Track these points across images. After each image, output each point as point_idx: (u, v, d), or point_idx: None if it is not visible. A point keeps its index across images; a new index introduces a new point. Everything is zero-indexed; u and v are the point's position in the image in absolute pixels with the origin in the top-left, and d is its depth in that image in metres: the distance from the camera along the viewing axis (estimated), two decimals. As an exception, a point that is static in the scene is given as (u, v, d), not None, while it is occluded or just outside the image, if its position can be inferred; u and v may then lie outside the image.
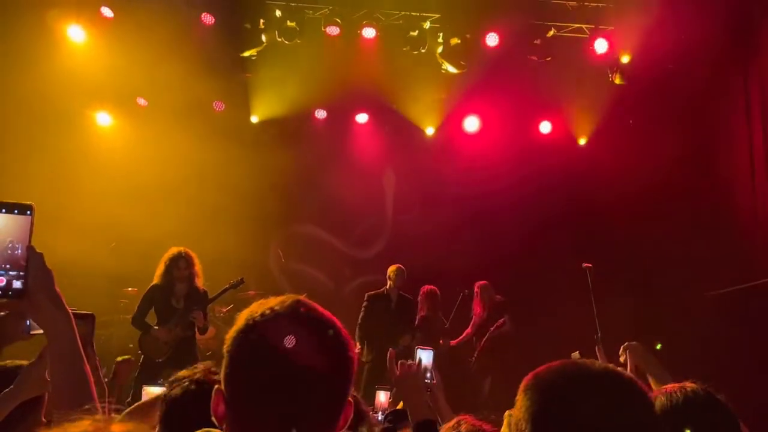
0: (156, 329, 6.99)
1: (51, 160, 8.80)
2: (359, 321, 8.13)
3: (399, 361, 2.92)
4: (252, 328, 1.43)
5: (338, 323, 1.50)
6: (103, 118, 9.83)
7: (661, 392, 2.16)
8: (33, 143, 8.75)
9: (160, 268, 7.03)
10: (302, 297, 1.52)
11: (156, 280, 7.03)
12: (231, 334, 1.46)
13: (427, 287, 8.46)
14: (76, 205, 8.81)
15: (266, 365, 1.39)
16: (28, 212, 1.64)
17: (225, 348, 1.45)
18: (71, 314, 1.65)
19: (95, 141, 9.68)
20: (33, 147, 8.75)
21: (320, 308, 1.51)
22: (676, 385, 2.18)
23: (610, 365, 1.54)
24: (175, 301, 7.06)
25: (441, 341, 8.39)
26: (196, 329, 7.11)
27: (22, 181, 8.26)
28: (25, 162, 8.61)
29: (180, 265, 6.96)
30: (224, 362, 1.45)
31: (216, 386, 1.46)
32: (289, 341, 1.39)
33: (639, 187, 9.15)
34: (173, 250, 7.05)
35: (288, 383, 1.38)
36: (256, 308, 1.48)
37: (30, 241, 1.63)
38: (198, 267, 7.08)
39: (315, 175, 9.96)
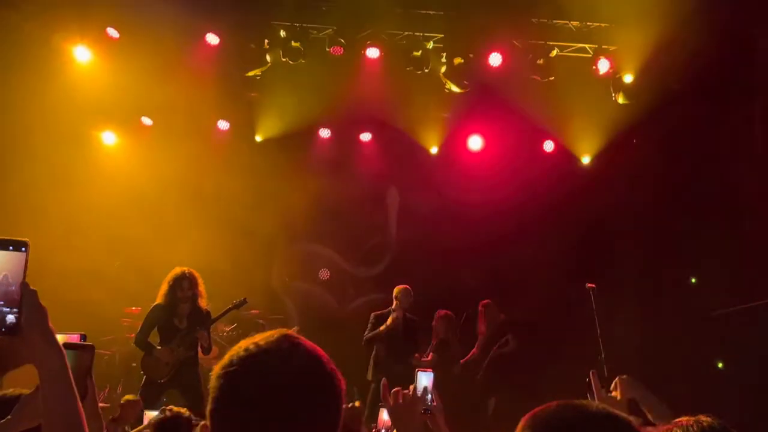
0: (158, 350, 6.99)
1: (56, 178, 8.84)
2: (364, 339, 8.09)
3: (393, 390, 2.91)
4: (235, 363, 1.42)
5: (325, 357, 1.49)
6: (108, 138, 9.88)
7: (677, 426, 2.15)
8: (39, 162, 8.79)
9: (164, 288, 7.04)
10: (290, 331, 1.52)
11: (159, 300, 7.03)
12: (215, 370, 1.45)
13: (442, 311, 8.43)
14: (80, 224, 8.85)
15: (249, 402, 1.38)
16: (23, 249, 1.65)
17: (210, 384, 1.45)
18: (64, 351, 1.66)
19: (100, 160, 9.73)
20: (39, 166, 8.79)
21: (308, 342, 1.50)
22: (691, 418, 2.16)
23: (608, 407, 1.54)
24: (178, 321, 7.06)
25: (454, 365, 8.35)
26: (199, 349, 7.11)
27: (28, 200, 8.32)
28: (30, 181, 8.66)
29: (183, 285, 6.97)
30: (209, 398, 1.44)
31: (202, 423, 1.46)
32: (268, 367, 1.39)
33: (642, 206, 9.15)
34: (177, 270, 7.06)
35: (272, 419, 1.38)
36: (242, 344, 1.47)
37: (24, 278, 1.63)
38: (202, 287, 7.09)
39: (319, 194, 9.97)
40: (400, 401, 2.86)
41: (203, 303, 7.11)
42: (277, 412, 1.37)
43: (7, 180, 8.40)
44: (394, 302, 8.13)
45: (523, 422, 1.53)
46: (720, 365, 8.32)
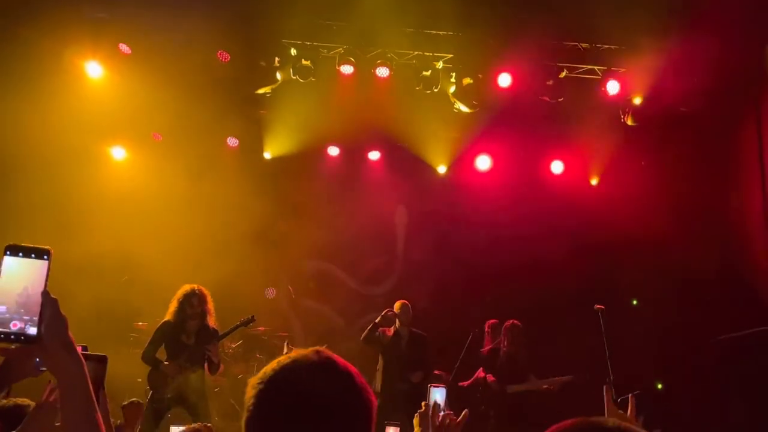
0: (165, 365, 6.99)
1: (66, 192, 8.87)
2: (362, 338, 8.13)
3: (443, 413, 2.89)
4: (269, 376, 1.47)
5: (356, 372, 1.52)
6: (118, 153, 9.91)
7: None
8: (49, 176, 8.83)
9: (173, 305, 7.05)
10: (322, 348, 1.55)
11: (168, 316, 7.05)
12: (251, 382, 1.50)
13: (510, 321, 8.26)
14: (89, 239, 8.86)
15: (283, 414, 1.42)
16: (45, 257, 1.64)
17: (246, 396, 1.49)
18: (83, 361, 1.65)
19: (110, 175, 9.76)
20: (49, 180, 8.83)
21: (339, 358, 1.54)
22: None
23: (624, 423, 1.53)
24: (186, 338, 7.07)
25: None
26: (205, 366, 7.10)
27: (36, 214, 8.35)
28: (39, 195, 8.69)
29: (193, 302, 6.98)
30: (244, 409, 1.48)
31: None
32: (303, 383, 1.41)
33: (651, 228, 9.12)
34: (186, 287, 7.08)
35: (305, 427, 1.40)
36: (280, 359, 1.52)
37: (46, 287, 1.63)
38: (210, 305, 7.10)
39: (327, 212, 9.99)
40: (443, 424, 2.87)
41: (211, 321, 7.12)
42: (311, 423, 1.40)
43: (16, 193, 8.43)
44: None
45: None
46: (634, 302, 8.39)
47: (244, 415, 1.47)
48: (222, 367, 7.41)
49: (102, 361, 2.28)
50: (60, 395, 1.65)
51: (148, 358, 7.03)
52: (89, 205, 9.15)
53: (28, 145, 8.34)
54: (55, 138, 8.74)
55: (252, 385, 1.48)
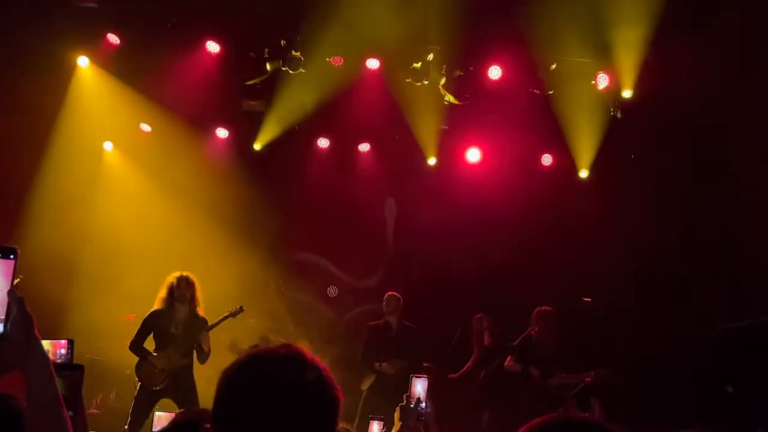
0: (153, 356, 6.99)
1: (58, 186, 8.87)
2: (360, 353, 8.14)
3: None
4: (236, 367, 1.49)
5: (323, 366, 1.52)
6: (108, 145, 9.88)
7: None
8: (44, 171, 8.84)
9: (162, 292, 7.10)
10: (292, 343, 1.57)
11: (157, 305, 7.07)
12: (221, 375, 1.51)
13: (541, 307, 7.92)
14: (77, 231, 8.86)
15: (247, 404, 1.43)
16: (12, 256, 1.64)
17: (216, 388, 1.50)
18: (49, 358, 1.65)
19: (100, 168, 9.74)
20: (43, 175, 8.84)
21: (307, 352, 1.54)
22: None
23: (600, 420, 1.56)
24: (174, 328, 7.08)
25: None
26: (195, 356, 7.11)
27: (31, 210, 8.38)
28: (34, 189, 8.70)
29: (181, 285, 7.03)
30: (213, 400, 1.49)
31: (206, 425, 1.49)
32: (270, 374, 1.42)
33: (640, 221, 9.14)
34: (174, 274, 7.12)
35: (268, 421, 1.41)
36: (250, 350, 1.54)
37: (12, 285, 1.63)
38: (199, 293, 7.12)
39: (316, 204, 9.98)
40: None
41: (200, 310, 7.13)
42: (274, 414, 1.41)
43: (7, 190, 8.45)
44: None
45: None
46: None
47: (213, 407, 1.48)
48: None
49: (78, 370, 2.28)
50: (27, 392, 1.65)
51: (136, 348, 7.05)
52: (80, 197, 9.15)
53: (18, 140, 8.35)
54: (46, 133, 8.77)
55: (222, 373, 1.50)
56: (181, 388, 7.06)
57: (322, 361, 1.55)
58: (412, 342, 8.20)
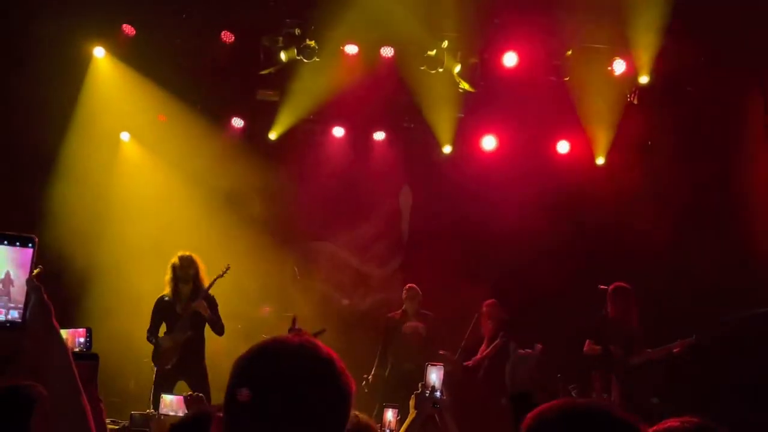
0: (161, 338, 7.13)
1: (76, 176, 8.94)
2: (380, 348, 8.25)
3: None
4: (248, 354, 1.50)
5: (336, 356, 1.52)
6: (124, 135, 9.93)
7: (667, 428, 2.13)
8: (59, 163, 8.91)
9: (167, 275, 7.19)
10: (306, 334, 1.58)
11: (164, 290, 7.18)
12: (234, 363, 1.52)
13: (616, 284, 7.50)
14: (98, 221, 8.94)
15: (258, 390, 1.43)
16: (30, 245, 1.65)
17: (229, 376, 1.51)
18: (67, 345, 1.67)
19: (117, 158, 9.80)
20: (59, 166, 8.90)
21: (319, 342, 1.54)
22: (677, 419, 2.15)
23: (607, 403, 1.56)
24: (179, 308, 7.19)
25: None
26: (203, 328, 7.18)
27: (49, 200, 8.45)
28: (52, 179, 8.77)
29: (183, 264, 7.15)
30: (226, 389, 1.50)
31: (217, 414, 1.50)
32: (282, 363, 1.43)
33: (657, 208, 9.07)
34: (177, 254, 7.19)
35: (279, 408, 1.41)
36: (263, 340, 1.54)
37: (31, 274, 1.64)
38: (203, 271, 7.19)
39: (332, 193, 9.99)
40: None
41: (205, 284, 7.23)
42: (285, 405, 1.42)
43: (26, 180, 8.53)
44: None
45: (527, 423, 1.55)
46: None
47: (225, 392, 1.49)
48: None
49: (93, 358, 2.30)
50: (46, 379, 1.67)
51: (151, 336, 7.19)
52: (99, 187, 9.22)
53: (37, 132, 8.41)
54: (64, 124, 8.83)
55: (234, 362, 1.51)
56: (191, 362, 7.16)
57: (338, 350, 1.56)
58: (429, 329, 8.22)
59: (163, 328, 7.34)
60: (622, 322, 7.33)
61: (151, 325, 7.25)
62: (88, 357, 2.26)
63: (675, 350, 6.97)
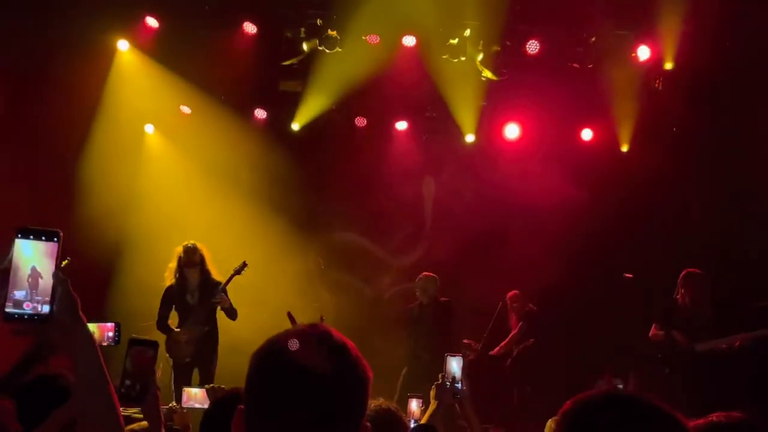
0: (177, 331, 7.16)
1: (101, 168, 9.03)
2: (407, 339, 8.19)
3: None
4: (265, 347, 1.50)
5: (352, 345, 1.53)
6: (148, 128, 10.01)
7: (710, 421, 2.14)
8: (84, 156, 9.00)
9: (171, 264, 7.29)
10: (320, 323, 1.57)
11: (168, 279, 7.21)
12: (250, 358, 1.52)
13: (688, 270, 7.13)
14: (125, 211, 9.04)
15: (275, 383, 1.44)
16: (55, 239, 1.69)
17: (247, 371, 1.51)
18: (94, 338, 1.70)
19: (142, 150, 9.89)
20: (84, 159, 9.00)
21: (334, 331, 1.55)
22: (722, 414, 2.16)
23: (648, 396, 1.56)
24: (190, 297, 7.24)
25: None
26: (216, 318, 7.24)
27: (75, 193, 8.55)
28: (77, 172, 8.87)
29: (187, 251, 7.19)
30: (245, 383, 1.50)
31: (238, 406, 1.51)
32: (297, 355, 1.44)
33: (682, 195, 8.98)
34: (178, 247, 7.29)
35: (296, 400, 1.42)
36: (277, 333, 1.54)
37: (57, 267, 1.67)
38: (208, 256, 7.23)
39: (355, 183, 10.01)
40: None
41: (213, 273, 7.26)
42: (302, 393, 1.42)
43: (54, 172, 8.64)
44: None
45: (564, 410, 1.55)
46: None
47: (245, 385, 1.50)
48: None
49: (153, 345, 2.33)
50: (74, 371, 1.70)
51: (161, 326, 7.27)
52: (123, 179, 9.31)
53: (64, 125, 8.51)
54: (89, 117, 8.93)
55: (251, 356, 1.52)
56: (208, 356, 7.23)
57: (361, 339, 1.56)
58: (447, 317, 8.12)
59: (173, 318, 7.39)
60: (693, 309, 6.94)
61: (161, 314, 7.29)
62: (149, 344, 2.30)
63: (736, 344, 6.63)
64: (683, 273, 7.07)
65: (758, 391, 6.52)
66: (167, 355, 7.22)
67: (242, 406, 1.48)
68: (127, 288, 8.83)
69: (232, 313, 7.26)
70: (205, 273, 7.24)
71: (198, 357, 7.22)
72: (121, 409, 1.72)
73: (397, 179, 10.04)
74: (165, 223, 9.00)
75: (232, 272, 7.35)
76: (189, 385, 6.75)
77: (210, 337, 7.29)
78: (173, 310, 7.37)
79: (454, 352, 3.31)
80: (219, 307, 7.24)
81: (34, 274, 1.65)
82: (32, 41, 8.20)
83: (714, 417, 2.07)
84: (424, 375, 7.11)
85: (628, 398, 1.54)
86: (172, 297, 7.28)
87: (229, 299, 7.21)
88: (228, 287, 7.24)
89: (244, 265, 7.42)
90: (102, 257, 8.62)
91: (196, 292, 7.27)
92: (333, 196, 9.93)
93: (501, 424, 7.73)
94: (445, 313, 8.06)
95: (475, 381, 3.46)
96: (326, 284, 9.56)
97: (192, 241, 7.28)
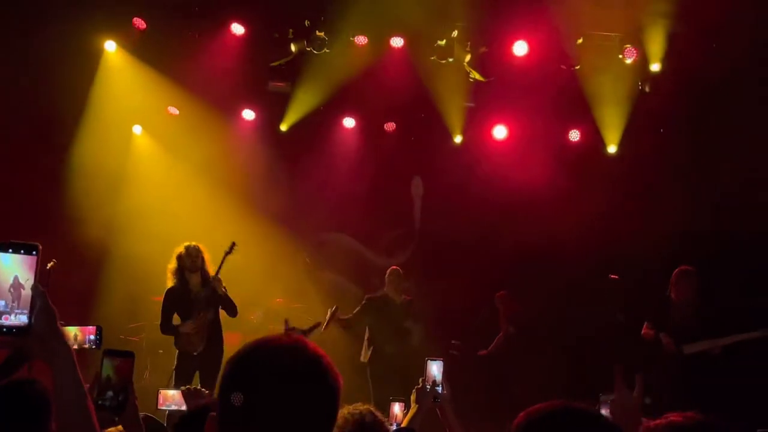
0: (183, 326, 7.06)
1: (89, 169, 9.02)
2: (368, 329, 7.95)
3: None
4: (239, 353, 1.54)
5: (323, 354, 1.57)
6: (136, 129, 10.00)
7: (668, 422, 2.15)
8: (72, 156, 8.99)
9: (171, 264, 7.18)
10: (298, 335, 1.61)
11: (170, 282, 7.14)
12: (225, 364, 1.56)
13: (681, 267, 6.99)
14: (112, 212, 9.03)
15: (248, 389, 1.47)
16: (34, 252, 1.70)
17: (221, 377, 1.56)
18: (72, 349, 1.72)
19: (130, 151, 9.88)
20: (72, 159, 8.98)
21: (309, 341, 1.59)
22: (680, 414, 2.16)
23: (596, 410, 1.60)
24: (193, 296, 7.15)
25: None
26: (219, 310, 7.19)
27: (62, 195, 8.52)
28: (65, 173, 8.86)
29: (191, 254, 7.10)
30: (218, 390, 1.54)
31: (211, 413, 1.54)
32: (272, 363, 1.49)
33: (669, 196, 9.03)
34: (182, 245, 7.20)
35: (267, 406, 1.46)
36: (255, 339, 1.58)
37: (36, 280, 1.69)
38: (208, 258, 7.19)
39: (343, 183, 10.02)
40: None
41: (212, 271, 7.22)
42: (273, 399, 1.46)
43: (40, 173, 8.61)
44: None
45: (517, 422, 1.59)
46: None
47: (218, 392, 1.53)
48: (240, 336, 7.48)
49: (129, 356, 2.36)
50: (53, 381, 1.71)
51: (166, 328, 7.14)
52: (111, 181, 9.29)
53: (51, 126, 8.49)
54: (76, 118, 8.91)
55: (226, 363, 1.55)
56: (215, 348, 7.11)
57: (349, 341, 1.60)
58: (411, 313, 7.93)
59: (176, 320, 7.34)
60: (685, 307, 6.86)
61: (164, 318, 7.15)
62: (128, 354, 2.33)
63: (724, 344, 6.56)
64: (676, 271, 7.00)
65: (744, 394, 6.56)
66: (176, 348, 7.12)
67: (213, 413, 1.51)
68: (114, 290, 8.82)
69: (229, 303, 7.20)
70: (205, 274, 7.20)
71: (207, 350, 7.06)
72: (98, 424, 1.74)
73: (386, 179, 10.05)
74: (153, 224, 8.99)
75: (223, 256, 7.24)
76: (189, 382, 6.69)
77: (217, 329, 7.22)
78: (175, 312, 7.29)
79: (434, 357, 3.33)
80: (220, 294, 7.13)
81: (14, 287, 1.66)
82: (19, 42, 8.18)
83: (672, 416, 2.09)
84: (389, 368, 7.09)
85: (578, 411, 1.58)
86: (175, 298, 7.18)
87: (222, 285, 7.15)
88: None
89: (233, 245, 7.31)
90: (89, 258, 8.61)
91: (197, 291, 7.21)
92: (321, 197, 9.94)
93: (488, 424, 7.75)
94: (410, 311, 7.93)
95: (462, 382, 3.48)
96: (314, 284, 9.57)
97: (194, 243, 7.21)
